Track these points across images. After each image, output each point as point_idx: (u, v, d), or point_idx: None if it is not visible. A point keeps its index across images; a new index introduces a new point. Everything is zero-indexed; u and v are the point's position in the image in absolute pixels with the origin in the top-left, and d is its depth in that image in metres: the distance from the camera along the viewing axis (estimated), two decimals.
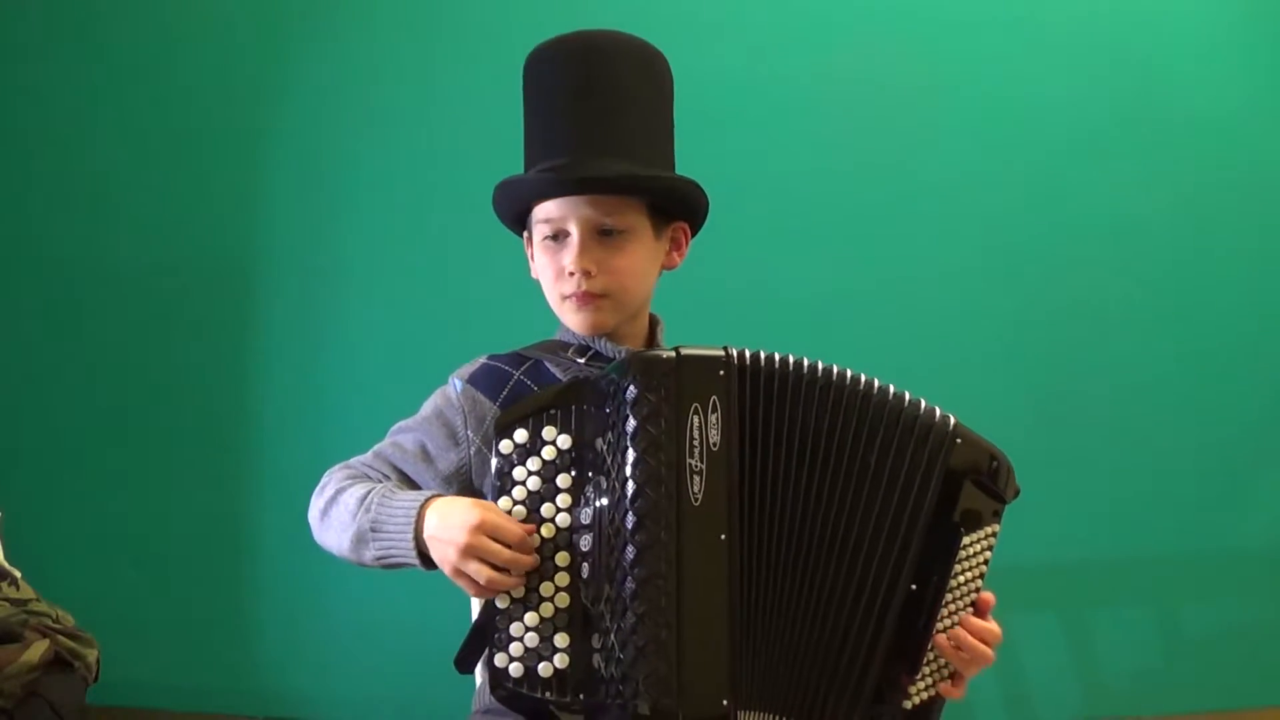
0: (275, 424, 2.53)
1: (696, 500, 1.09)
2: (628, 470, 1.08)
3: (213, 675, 2.53)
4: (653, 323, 1.37)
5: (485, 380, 1.27)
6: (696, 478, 1.09)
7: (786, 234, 2.40)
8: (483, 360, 1.30)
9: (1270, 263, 2.37)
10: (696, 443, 1.09)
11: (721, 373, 1.11)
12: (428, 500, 1.14)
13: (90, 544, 2.54)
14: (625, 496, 1.08)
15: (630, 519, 1.07)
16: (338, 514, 1.20)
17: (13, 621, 1.68)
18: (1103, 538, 2.36)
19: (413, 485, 1.25)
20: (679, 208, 1.31)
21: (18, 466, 2.55)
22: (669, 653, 1.06)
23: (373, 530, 1.16)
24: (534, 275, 1.33)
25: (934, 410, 1.16)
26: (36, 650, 1.66)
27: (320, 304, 2.53)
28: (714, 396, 1.10)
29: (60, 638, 1.72)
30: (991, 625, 1.19)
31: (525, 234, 1.34)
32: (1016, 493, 1.18)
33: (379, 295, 2.50)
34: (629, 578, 1.06)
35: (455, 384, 1.28)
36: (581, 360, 1.28)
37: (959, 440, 1.15)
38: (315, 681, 2.50)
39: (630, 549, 1.07)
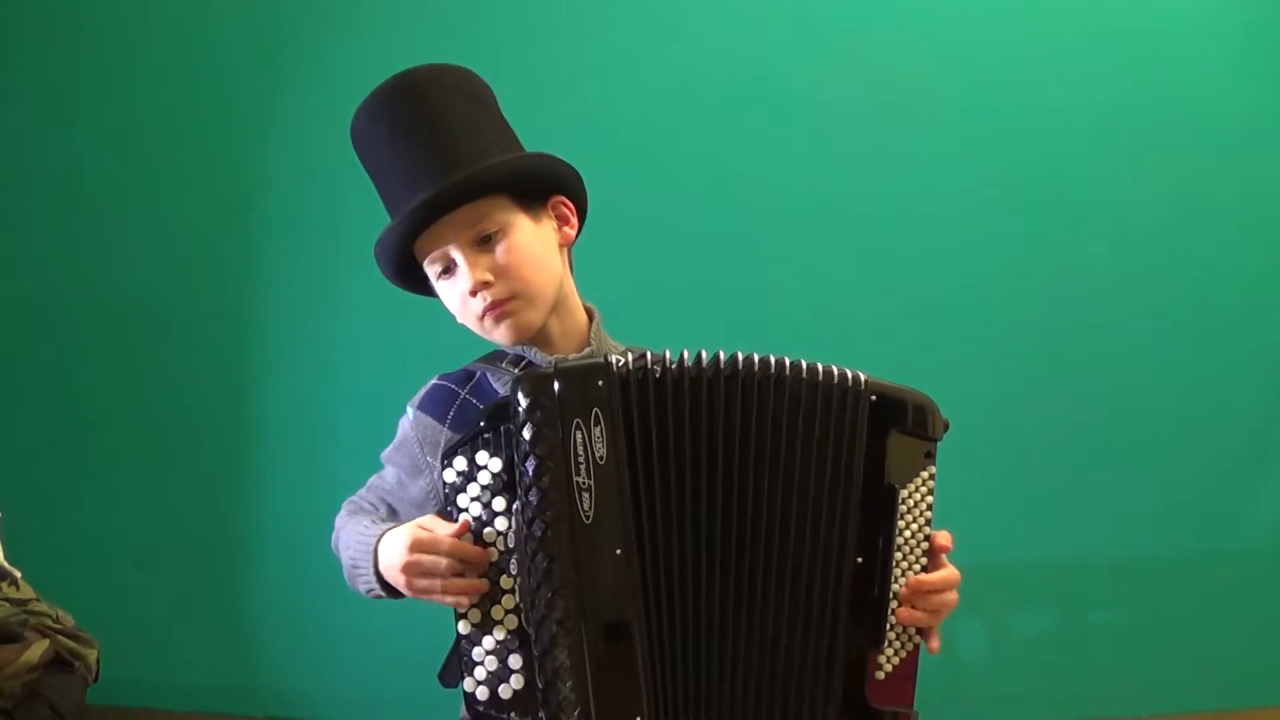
0: (275, 424, 2.53)
1: (587, 518, 1.08)
2: (525, 493, 1.08)
3: (213, 675, 2.53)
4: (590, 315, 1.33)
5: (433, 403, 1.28)
6: (585, 495, 1.08)
7: (786, 236, 2.40)
8: (433, 382, 1.31)
9: (1272, 263, 2.37)
10: (582, 459, 1.08)
11: (601, 383, 1.09)
12: (379, 536, 1.17)
13: (90, 544, 2.54)
14: (526, 521, 1.08)
15: (531, 543, 1.08)
16: (341, 552, 1.27)
17: (13, 621, 1.68)
18: (1103, 538, 2.35)
19: (395, 514, 1.29)
20: (541, 183, 1.27)
21: (18, 466, 2.55)
22: (580, 673, 1.07)
23: (353, 568, 1.22)
24: (459, 320, 1.30)
25: (845, 372, 1.13)
26: (36, 650, 1.66)
27: (319, 305, 2.52)
28: (595, 409, 1.08)
29: (60, 638, 1.72)
30: (947, 573, 1.16)
31: (426, 287, 1.32)
32: (946, 426, 1.15)
33: (378, 298, 2.47)
34: (537, 600, 1.07)
35: (409, 413, 1.30)
36: (516, 370, 1.27)
37: (874, 396, 1.13)
38: (315, 681, 2.50)
39: (535, 572, 1.07)
